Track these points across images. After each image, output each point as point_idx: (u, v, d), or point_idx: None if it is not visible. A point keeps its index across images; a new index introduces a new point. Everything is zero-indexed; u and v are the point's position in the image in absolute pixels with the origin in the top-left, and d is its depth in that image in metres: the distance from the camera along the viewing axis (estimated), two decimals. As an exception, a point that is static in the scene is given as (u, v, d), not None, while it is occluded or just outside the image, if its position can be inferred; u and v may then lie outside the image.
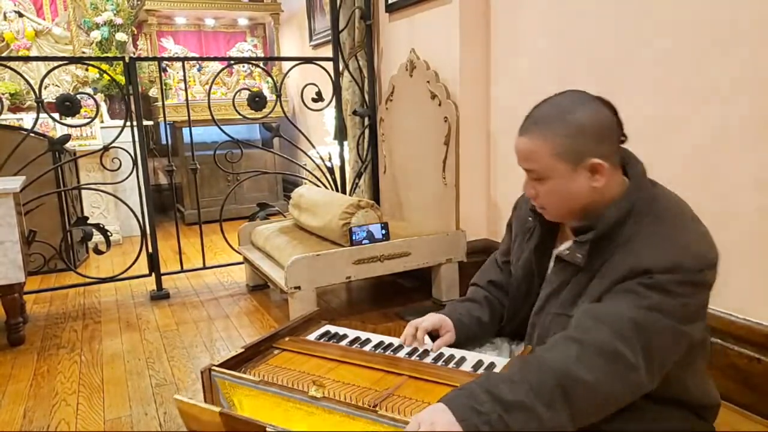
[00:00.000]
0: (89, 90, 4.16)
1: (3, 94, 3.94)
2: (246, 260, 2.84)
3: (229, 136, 2.82)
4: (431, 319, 1.16)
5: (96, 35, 4.34)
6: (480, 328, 1.19)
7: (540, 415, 0.80)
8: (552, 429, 0.81)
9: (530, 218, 1.12)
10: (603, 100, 0.98)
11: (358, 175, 3.11)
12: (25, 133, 2.64)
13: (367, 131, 3.07)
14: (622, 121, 0.98)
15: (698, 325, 0.92)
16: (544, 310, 1.06)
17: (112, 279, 2.86)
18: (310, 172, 3.13)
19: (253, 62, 4.59)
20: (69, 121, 2.92)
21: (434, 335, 1.18)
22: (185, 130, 3.92)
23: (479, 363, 1.06)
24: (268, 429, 0.89)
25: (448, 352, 1.12)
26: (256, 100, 2.88)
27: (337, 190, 3.14)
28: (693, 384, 1.02)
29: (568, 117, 0.94)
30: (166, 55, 4.68)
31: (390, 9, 2.83)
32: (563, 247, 1.05)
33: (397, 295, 2.70)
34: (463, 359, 1.09)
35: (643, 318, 0.85)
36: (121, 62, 2.95)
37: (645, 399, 0.95)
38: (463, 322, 1.18)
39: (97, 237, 2.79)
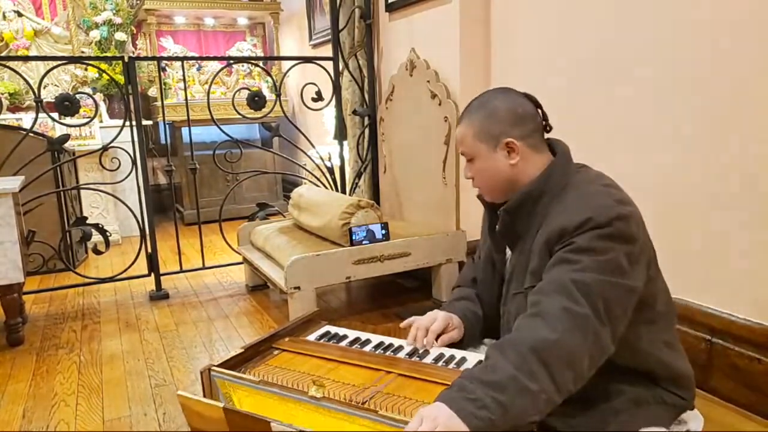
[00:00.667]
0: (88, 90, 4.15)
1: (2, 93, 3.94)
2: (245, 260, 2.83)
3: (228, 135, 2.82)
4: (438, 323, 1.17)
5: (95, 35, 4.33)
6: (479, 323, 1.23)
7: (528, 387, 0.84)
8: (543, 400, 0.85)
9: (484, 210, 1.21)
10: (525, 95, 1.13)
11: (358, 175, 3.11)
12: (24, 132, 2.63)
13: (367, 131, 3.07)
14: (546, 113, 1.12)
15: (636, 279, 0.96)
16: (507, 297, 1.13)
17: (111, 279, 2.85)
18: (310, 172, 3.13)
19: (253, 62, 4.59)
20: (68, 120, 2.92)
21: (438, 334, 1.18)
22: (184, 130, 3.92)
23: (479, 363, 1.06)
24: (271, 424, 0.88)
25: (448, 352, 1.12)
26: (256, 100, 2.87)
27: (337, 190, 3.14)
28: (664, 356, 1.04)
29: (486, 105, 1.10)
30: (165, 54, 4.68)
31: (390, 8, 2.83)
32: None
33: (397, 295, 2.70)
34: (463, 359, 1.09)
35: (578, 278, 0.92)
36: (120, 62, 2.95)
37: (619, 378, 1.02)
38: (468, 318, 1.21)
39: (96, 237, 2.79)
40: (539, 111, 1.11)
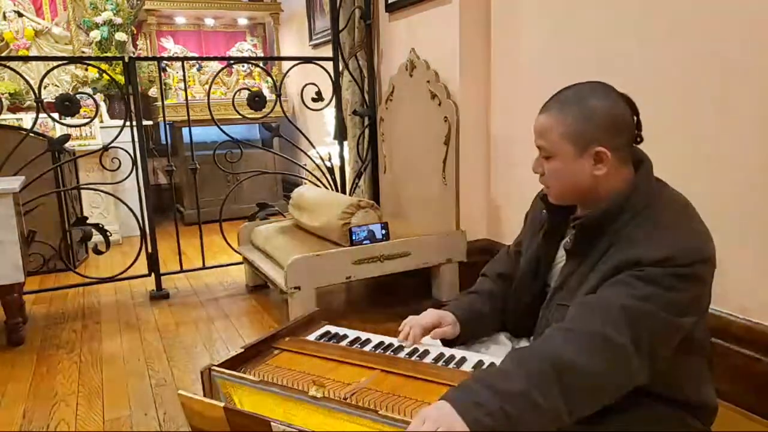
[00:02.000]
0: (89, 90, 4.15)
1: (2, 93, 3.94)
2: (246, 260, 2.83)
3: (228, 136, 2.82)
4: (430, 317, 1.16)
5: (95, 35, 4.33)
6: (481, 322, 1.20)
7: (538, 403, 0.81)
8: (550, 418, 0.82)
9: (543, 210, 1.14)
10: (625, 97, 1.01)
11: (358, 175, 3.11)
12: (25, 133, 2.64)
13: (367, 131, 3.07)
14: (641, 122, 1.01)
15: (690, 319, 0.93)
16: (552, 303, 1.08)
17: (111, 279, 2.85)
18: (310, 172, 3.13)
19: (253, 62, 4.59)
20: (68, 121, 2.92)
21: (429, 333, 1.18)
22: (185, 130, 3.92)
23: (479, 363, 1.06)
24: (272, 423, 0.88)
25: (448, 352, 1.12)
26: (256, 100, 2.87)
27: (337, 190, 3.14)
28: (691, 385, 1.02)
29: (583, 102, 0.98)
30: (165, 54, 4.68)
31: (390, 9, 2.83)
32: (568, 239, 1.08)
33: (397, 295, 2.70)
34: (463, 359, 1.08)
35: (632, 305, 0.87)
36: (120, 62, 2.95)
37: (641, 398, 0.96)
38: (465, 317, 1.18)
39: (97, 237, 2.79)
40: (635, 119, 1.01)
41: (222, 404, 0.93)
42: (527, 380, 0.82)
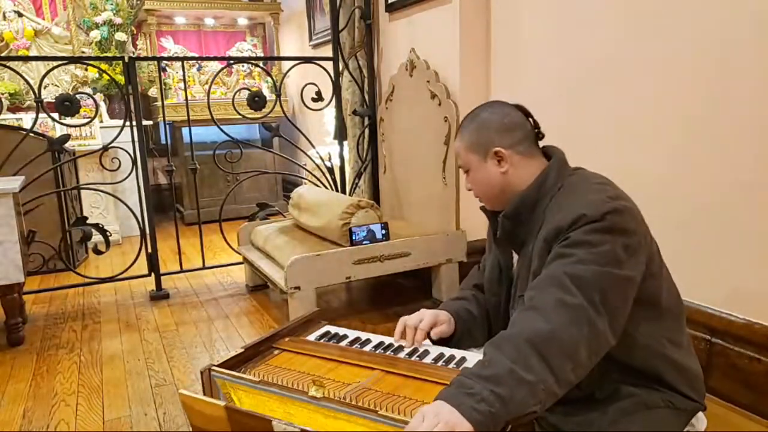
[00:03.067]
0: (88, 90, 4.15)
1: (2, 93, 3.94)
2: (246, 260, 2.83)
3: (228, 136, 2.82)
4: (427, 318, 1.17)
5: (95, 35, 4.33)
6: (474, 322, 1.24)
7: (525, 378, 0.84)
8: (542, 390, 0.85)
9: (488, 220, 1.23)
10: (516, 105, 1.15)
11: (358, 175, 3.11)
12: (25, 133, 2.64)
13: (367, 131, 3.07)
14: (537, 122, 1.14)
15: (632, 270, 0.96)
16: (514, 300, 1.15)
17: (111, 279, 2.85)
18: (310, 172, 3.13)
19: (253, 62, 4.59)
20: (68, 120, 2.92)
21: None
22: (185, 130, 3.92)
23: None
24: (273, 423, 0.88)
25: (448, 352, 1.12)
26: (256, 100, 2.87)
27: (337, 190, 3.14)
28: (672, 354, 1.04)
29: (476, 119, 1.14)
30: (165, 54, 4.68)
31: (390, 9, 2.83)
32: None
33: (397, 295, 2.70)
34: (463, 359, 1.09)
35: (572, 270, 0.93)
36: (120, 62, 2.95)
37: (629, 380, 1.02)
38: (460, 315, 1.22)
39: (97, 237, 2.79)
40: (529, 120, 1.14)
41: (223, 403, 0.93)
42: (509, 360, 0.86)
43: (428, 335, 1.17)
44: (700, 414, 1.10)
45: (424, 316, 1.18)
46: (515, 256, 1.18)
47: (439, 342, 1.19)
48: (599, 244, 0.94)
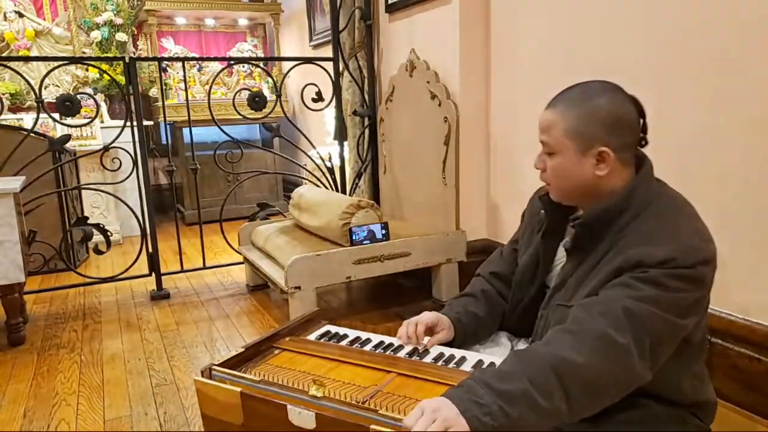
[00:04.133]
0: (89, 90, 4.16)
1: (3, 94, 3.94)
2: (246, 260, 2.84)
3: (229, 136, 2.82)
4: (428, 316, 1.16)
5: (96, 35, 4.34)
6: (477, 324, 1.20)
7: (539, 404, 0.81)
8: (551, 419, 0.83)
9: (542, 211, 1.13)
10: (633, 99, 1.01)
11: (358, 175, 3.11)
12: (25, 133, 2.64)
13: (367, 131, 3.07)
14: (647, 125, 1.01)
15: (691, 320, 0.93)
16: (551, 303, 1.08)
17: (112, 279, 2.86)
18: (310, 172, 3.13)
19: (253, 62, 4.59)
20: (69, 121, 2.92)
21: (428, 334, 1.18)
22: (185, 130, 3.91)
23: (479, 363, 1.06)
24: (288, 407, 0.89)
25: (448, 352, 1.12)
26: (256, 100, 2.88)
27: (337, 190, 3.14)
28: (691, 385, 1.03)
29: (589, 101, 0.97)
30: (166, 55, 4.68)
31: (390, 9, 2.83)
32: (568, 238, 1.08)
33: (397, 295, 2.70)
34: (463, 359, 1.09)
35: (634, 307, 0.87)
36: (121, 62, 2.95)
37: (640, 398, 0.97)
38: (460, 320, 1.18)
39: (97, 237, 2.79)
40: (641, 121, 1.01)
41: (239, 389, 0.93)
42: (528, 381, 0.82)
43: (430, 334, 1.16)
44: None
45: (425, 315, 1.17)
46: (558, 254, 1.11)
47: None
48: (673, 291, 0.88)
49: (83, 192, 3.75)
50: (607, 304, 0.89)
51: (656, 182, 1.02)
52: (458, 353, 1.11)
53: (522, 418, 0.80)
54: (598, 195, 1.00)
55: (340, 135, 3.14)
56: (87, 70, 4.24)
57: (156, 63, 4.30)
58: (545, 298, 1.11)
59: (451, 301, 1.25)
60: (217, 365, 1.06)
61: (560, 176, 1.01)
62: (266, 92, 4.52)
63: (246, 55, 4.81)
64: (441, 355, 1.11)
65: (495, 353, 1.16)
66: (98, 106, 2.92)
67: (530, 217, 1.21)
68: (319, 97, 3.00)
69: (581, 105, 0.98)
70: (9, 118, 3.80)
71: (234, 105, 2.96)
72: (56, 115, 2.91)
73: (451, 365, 1.06)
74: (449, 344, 1.17)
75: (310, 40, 4.54)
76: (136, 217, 2.76)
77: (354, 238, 2.32)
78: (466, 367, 1.06)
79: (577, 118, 0.97)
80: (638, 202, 0.97)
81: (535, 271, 1.14)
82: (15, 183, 2.21)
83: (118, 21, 4.39)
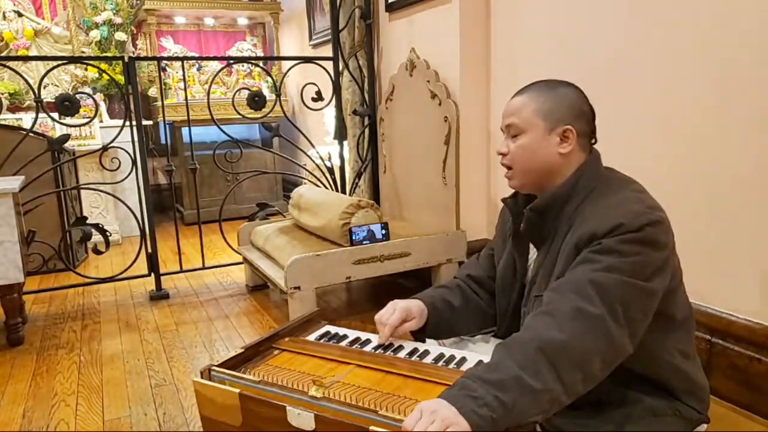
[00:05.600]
0: (88, 90, 4.15)
1: (2, 93, 3.94)
2: (245, 260, 2.83)
3: (228, 135, 2.82)
4: (397, 314, 1.17)
5: (95, 35, 4.33)
6: (452, 313, 1.22)
7: (532, 386, 0.83)
8: (547, 399, 0.84)
9: (509, 217, 1.19)
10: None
11: (358, 175, 3.11)
12: (24, 132, 2.63)
13: (367, 131, 3.07)
14: (596, 128, 1.11)
15: (659, 283, 0.95)
16: (529, 298, 1.12)
17: (111, 279, 2.85)
18: (310, 172, 3.13)
19: (253, 62, 4.59)
20: (68, 120, 2.92)
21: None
22: (184, 130, 3.92)
23: (480, 363, 1.06)
24: (287, 409, 0.88)
25: (448, 352, 1.12)
26: (256, 100, 2.87)
27: (337, 190, 3.14)
28: (681, 366, 1.04)
29: (555, 90, 1.08)
30: (165, 54, 4.68)
31: (390, 8, 2.83)
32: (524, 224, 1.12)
33: (397, 295, 2.66)
34: (463, 359, 1.08)
35: (599, 278, 0.91)
36: (120, 62, 2.95)
37: (636, 387, 1.01)
38: (435, 306, 1.20)
39: (97, 237, 2.79)
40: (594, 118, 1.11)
41: (237, 390, 0.93)
42: (517, 366, 0.84)
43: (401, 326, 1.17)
44: (704, 426, 1.09)
45: (395, 308, 1.19)
46: (531, 253, 1.15)
47: (413, 332, 1.19)
48: (630, 255, 0.92)
49: (82, 192, 3.75)
50: (574, 281, 0.93)
51: (606, 169, 1.09)
52: (458, 353, 1.11)
53: (517, 403, 0.81)
54: (553, 179, 1.07)
55: (340, 134, 3.13)
56: (86, 69, 4.24)
57: (155, 62, 4.30)
58: (524, 295, 1.15)
59: (426, 290, 1.28)
60: (217, 366, 1.05)
61: (524, 155, 1.07)
62: (266, 92, 4.51)
63: (245, 54, 4.81)
64: (441, 355, 1.11)
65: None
66: (97, 106, 2.92)
67: (502, 225, 1.27)
68: (318, 97, 3.00)
69: (550, 91, 1.07)
70: (8, 118, 3.79)
71: (233, 104, 2.96)
72: (55, 115, 2.90)
73: (452, 365, 1.06)
74: (422, 330, 1.19)
75: (310, 39, 4.54)
76: (135, 217, 2.75)
77: (354, 238, 2.32)
78: (466, 367, 1.05)
79: (547, 100, 1.06)
80: (585, 185, 1.04)
81: (514, 274, 1.19)
82: (14, 183, 2.21)
83: (118, 20, 4.39)
